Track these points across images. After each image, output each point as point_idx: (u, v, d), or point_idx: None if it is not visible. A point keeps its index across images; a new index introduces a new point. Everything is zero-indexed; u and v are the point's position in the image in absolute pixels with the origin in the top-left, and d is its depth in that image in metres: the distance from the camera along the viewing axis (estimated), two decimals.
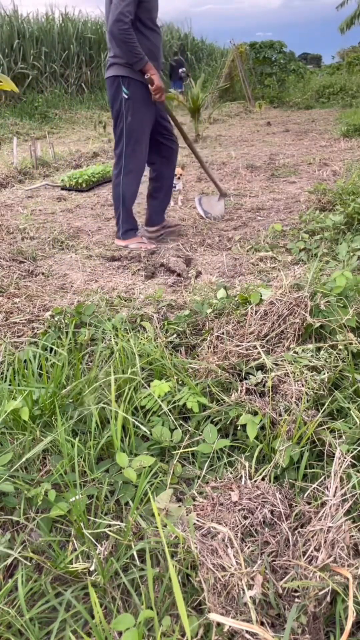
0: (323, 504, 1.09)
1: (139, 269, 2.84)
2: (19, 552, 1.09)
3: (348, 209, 2.99)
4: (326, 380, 1.46)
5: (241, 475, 1.22)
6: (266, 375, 1.51)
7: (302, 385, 1.44)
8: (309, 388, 1.42)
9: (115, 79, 2.91)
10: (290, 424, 1.32)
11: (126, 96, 2.89)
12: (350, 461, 1.18)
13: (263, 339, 1.67)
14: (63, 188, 4.96)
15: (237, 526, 1.04)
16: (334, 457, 1.23)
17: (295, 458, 1.26)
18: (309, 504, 1.13)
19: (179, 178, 4.12)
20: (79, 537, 1.13)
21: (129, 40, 2.68)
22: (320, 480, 1.18)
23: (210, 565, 0.96)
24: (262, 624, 0.90)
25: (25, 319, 2.04)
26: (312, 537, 1.00)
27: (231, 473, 1.26)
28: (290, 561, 0.98)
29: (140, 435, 1.43)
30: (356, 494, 1.11)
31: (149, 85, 2.87)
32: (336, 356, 1.55)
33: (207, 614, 0.90)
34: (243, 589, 0.92)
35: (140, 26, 2.78)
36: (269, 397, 1.43)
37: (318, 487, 1.16)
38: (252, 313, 1.75)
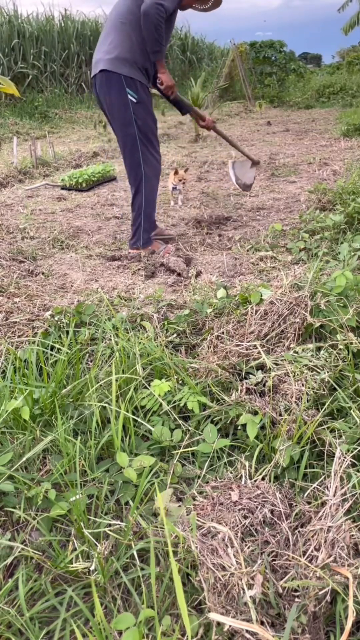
0: (323, 504, 1.09)
1: (139, 269, 2.84)
2: (19, 552, 1.09)
3: (348, 208, 2.98)
4: (326, 379, 1.46)
5: (241, 475, 1.22)
6: (266, 375, 1.51)
7: (302, 384, 1.44)
8: (309, 388, 1.42)
9: (118, 78, 2.67)
10: (290, 424, 1.32)
11: (135, 100, 2.72)
12: (350, 461, 1.18)
13: (263, 339, 1.67)
14: (63, 188, 4.96)
15: (237, 526, 1.04)
16: (334, 456, 1.23)
17: (295, 458, 1.26)
18: (309, 503, 1.13)
19: (183, 182, 4.09)
20: (79, 537, 1.13)
21: (160, 29, 2.57)
22: (320, 480, 1.19)
23: (210, 564, 0.96)
24: (262, 623, 0.90)
25: (26, 319, 2.04)
26: (312, 536, 1.00)
27: (231, 473, 1.26)
28: (290, 561, 0.98)
29: (140, 435, 1.43)
30: (356, 493, 1.11)
31: (159, 85, 2.80)
32: (336, 356, 1.55)
33: (207, 614, 0.90)
34: (243, 589, 0.92)
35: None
36: (269, 396, 1.43)
37: (318, 486, 1.16)
38: (252, 313, 1.75)
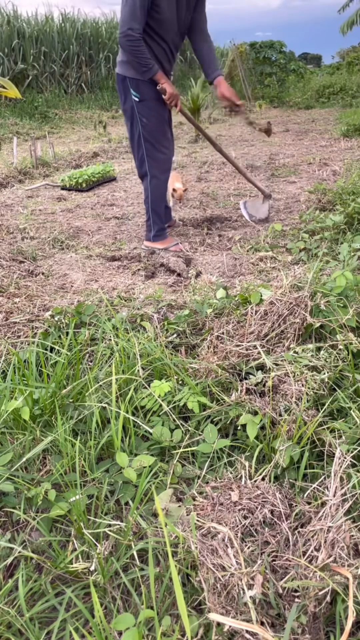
0: (323, 504, 1.09)
1: (139, 269, 2.84)
2: (19, 552, 1.09)
3: (348, 208, 2.99)
4: (326, 380, 1.46)
5: (241, 475, 1.22)
6: (266, 375, 1.51)
7: (302, 385, 1.44)
8: (309, 388, 1.42)
9: (124, 80, 2.83)
10: (290, 424, 1.32)
11: (137, 99, 2.82)
12: (350, 461, 1.18)
13: (263, 339, 1.67)
14: (63, 188, 4.96)
15: (237, 526, 1.04)
16: (334, 457, 1.23)
17: (295, 458, 1.26)
18: (309, 503, 1.13)
19: (179, 200, 4.00)
20: (79, 537, 1.13)
21: (138, 52, 2.63)
22: (320, 480, 1.18)
23: (210, 565, 0.96)
24: (262, 623, 0.90)
25: (26, 319, 2.04)
26: (312, 537, 1.00)
27: (231, 473, 1.26)
28: (290, 561, 0.98)
29: (140, 435, 1.43)
30: (356, 493, 1.11)
31: (162, 95, 2.81)
32: (336, 356, 1.55)
33: (207, 614, 0.90)
34: (243, 589, 0.92)
35: (145, 36, 2.68)
36: (269, 397, 1.43)
37: (318, 487, 1.16)
38: (252, 313, 1.75)
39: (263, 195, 3.73)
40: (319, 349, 1.60)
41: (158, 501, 0.99)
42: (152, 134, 2.90)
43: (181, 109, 3.01)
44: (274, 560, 0.99)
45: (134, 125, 2.90)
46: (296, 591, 0.94)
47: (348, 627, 0.83)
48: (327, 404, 1.40)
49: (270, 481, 1.21)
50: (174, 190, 3.85)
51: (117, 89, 2.98)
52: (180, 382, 1.57)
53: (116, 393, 1.45)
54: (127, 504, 1.23)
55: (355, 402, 1.42)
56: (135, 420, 1.40)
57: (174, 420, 1.44)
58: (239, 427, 1.41)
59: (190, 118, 3.24)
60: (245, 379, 1.57)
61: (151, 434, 1.39)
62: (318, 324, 1.65)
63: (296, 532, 1.04)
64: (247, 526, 1.05)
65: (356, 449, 1.25)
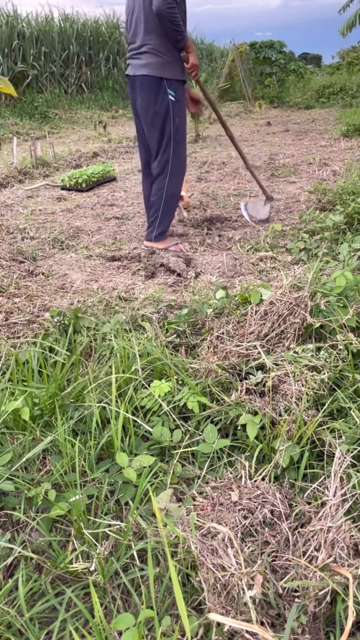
0: (323, 504, 1.09)
1: (139, 269, 2.84)
2: (19, 552, 1.09)
3: (348, 208, 2.99)
4: (326, 380, 1.46)
5: (241, 475, 1.22)
6: (266, 375, 1.51)
7: (302, 385, 1.44)
8: (309, 388, 1.42)
9: (159, 81, 2.81)
10: (290, 424, 1.32)
11: (173, 99, 2.84)
12: (350, 461, 1.18)
13: (263, 339, 1.67)
14: (63, 188, 4.96)
15: (237, 526, 1.04)
16: (334, 457, 1.23)
17: (295, 458, 1.26)
18: (309, 504, 1.13)
19: (186, 209, 3.96)
20: (79, 537, 1.13)
21: (176, 20, 2.66)
22: (320, 480, 1.18)
23: (210, 565, 0.96)
24: (262, 623, 0.90)
25: (25, 319, 2.04)
26: (312, 537, 1.00)
27: (231, 473, 1.26)
28: (290, 561, 0.98)
29: (140, 435, 1.43)
30: (356, 494, 1.11)
31: (185, 64, 2.84)
32: (336, 356, 1.55)
33: (207, 614, 0.90)
34: (243, 589, 0.92)
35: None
36: (269, 397, 1.43)
37: (318, 487, 1.16)
38: (252, 313, 1.75)
39: (265, 196, 3.73)
40: (319, 349, 1.60)
41: (155, 502, 0.99)
42: (181, 134, 2.97)
43: (199, 81, 3.05)
44: (274, 560, 0.99)
45: (165, 126, 2.90)
46: (296, 591, 0.94)
47: (348, 627, 0.83)
48: (327, 404, 1.40)
49: (270, 481, 1.21)
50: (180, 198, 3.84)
51: (141, 88, 2.87)
52: (180, 382, 1.57)
53: (116, 393, 1.45)
54: (127, 504, 1.23)
55: (355, 402, 1.42)
56: (135, 420, 1.40)
57: (174, 420, 1.44)
58: (239, 427, 1.41)
59: (206, 94, 3.26)
60: (245, 379, 1.57)
61: (151, 434, 1.39)
62: (318, 324, 1.65)
63: (296, 532, 1.04)
64: (247, 526, 1.05)
65: (356, 449, 1.25)
